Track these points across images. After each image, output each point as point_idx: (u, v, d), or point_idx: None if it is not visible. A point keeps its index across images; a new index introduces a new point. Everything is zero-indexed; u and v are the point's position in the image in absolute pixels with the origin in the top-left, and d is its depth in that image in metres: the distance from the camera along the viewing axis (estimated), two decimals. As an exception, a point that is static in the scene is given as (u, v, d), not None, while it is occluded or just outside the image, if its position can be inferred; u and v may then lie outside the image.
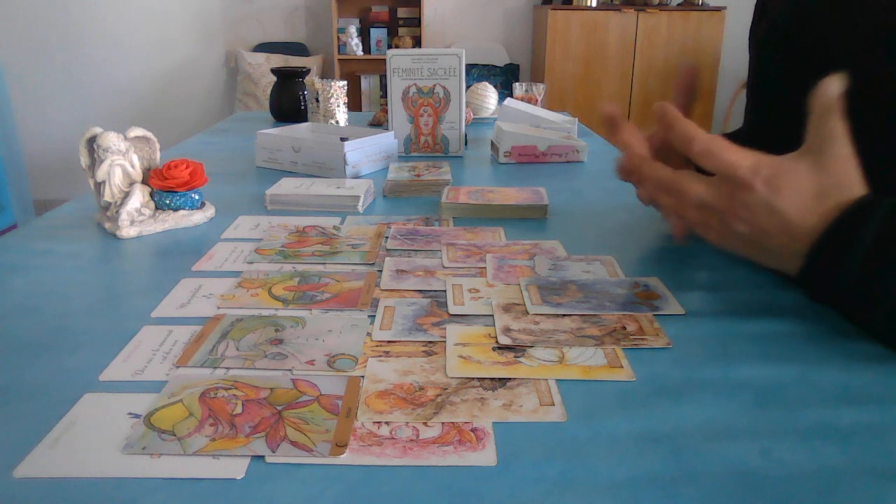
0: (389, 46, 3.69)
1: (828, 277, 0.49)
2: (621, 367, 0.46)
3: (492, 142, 1.23)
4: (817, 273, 0.49)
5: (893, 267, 0.46)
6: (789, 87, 0.65)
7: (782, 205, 0.49)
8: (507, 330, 0.51)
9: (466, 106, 1.41)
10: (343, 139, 1.04)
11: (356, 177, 1.02)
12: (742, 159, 0.50)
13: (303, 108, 1.53)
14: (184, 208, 0.78)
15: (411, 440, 0.38)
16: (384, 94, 3.76)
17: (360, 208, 0.84)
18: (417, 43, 3.71)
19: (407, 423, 0.40)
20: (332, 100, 1.37)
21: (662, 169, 0.57)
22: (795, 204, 0.49)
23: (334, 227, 0.76)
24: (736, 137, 0.69)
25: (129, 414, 0.40)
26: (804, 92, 0.52)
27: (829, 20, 0.60)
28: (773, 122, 0.70)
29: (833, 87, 0.49)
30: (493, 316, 0.54)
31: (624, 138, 0.62)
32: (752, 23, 0.75)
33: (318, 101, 1.38)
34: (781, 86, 0.68)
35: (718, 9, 3.56)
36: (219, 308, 0.55)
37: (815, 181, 0.49)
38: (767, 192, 0.49)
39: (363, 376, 0.45)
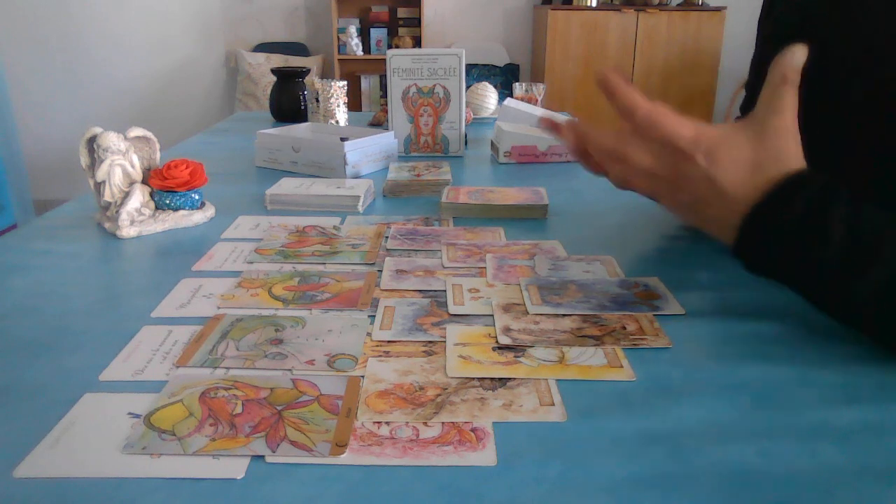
0: (389, 46, 3.69)
1: (757, 250, 0.50)
2: (621, 367, 0.46)
3: (492, 142, 1.23)
4: (747, 245, 0.50)
5: (819, 242, 0.46)
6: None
7: (719, 176, 0.49)
8: (507, 330, 0.51)
9: (466, 106, 1.41)
10: (343, 139, 1.04)
11: (356, 177, 1.02)
12: (683, 130, 0.50)
13: (303, 108, 1.53)
14: (184, 208, 0.78)
15: (411, 440, 0.38)
16: (384, 94, 3.76)
17: (360, 208, 0.84)
18: (417, 43, 3.71)
19: (407, 423, 0.40)
20: (332, 100, 1.37)
21: (607, 137, 0.56)
22: (732, 176, 0.49)
23: (334, 227, 0.77)
24: None
25: (129, 414, 0.40)
26: (804, 94, 0.52)
27: (830, 21, 0.60)
28: None
29: (795, 56, 0.50)
30: (493, 316, 0.54)
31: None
32: (760, 17, 0.75)
33: (318, 101, 1.38)
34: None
35: (718, 9, 3.56)
36: (219, 308, 0.55)
37: (753, 153, 0.49)
38: (706, 164, 0.50)
39: (363, 376, 0.45)
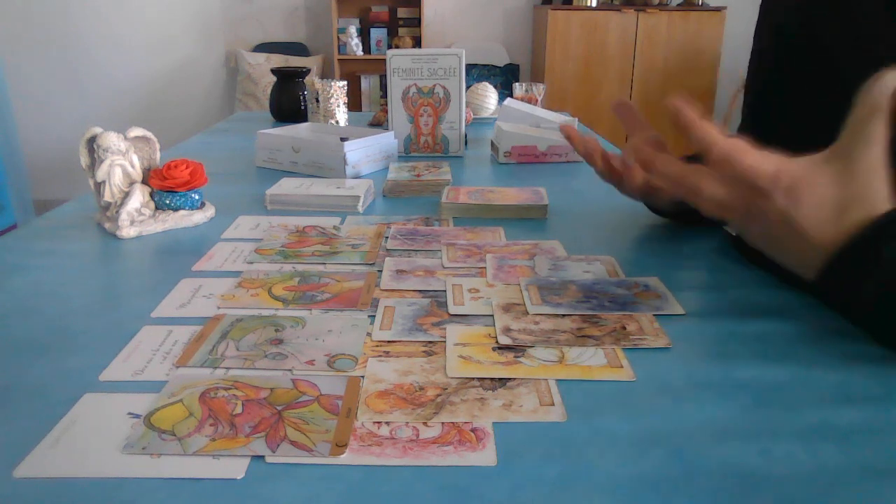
0: (389, 46, 3.69)
1: (842, 294, 0.48)
2: (621, 367, 0.46)
3: (492, 142, 1.23)
4: (828, 289, 0.48)
5: None
6: (790, 93, 0.65)
7: (800, 216, 0.46)
8: (507, 330, 0.51)
9: (466, 106, 1.41)
10: (343, 139, 1.04)
11: (356, 177, 1.02)
12: (763, 165, 0.47)
13: (303, 108, 1.53)
14: (184, 208, 0.78)
15: (411, 440, 0.38)
16: (384, 94, 3.76)
17: (360, 208, 0.84)
18: (417, 43, 3.71)
19: (407, 423, 0.40)
20: (332, 100, 1.37)
21: (676, 164, 0.52)
22: (814, 216, 0.46)
23: (334, 227, 0.77)
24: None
25: (129, 414, 0.40)
26: (804, 99, 0.51)
27: (830, 24, 0.60)
28: (771, 126, 0.69)
29: (889, 82, 0.46)
30: (493, 316, 0.54)
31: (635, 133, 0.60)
32: (758, 20, 0.75)
33: (318, 101, 1.38)
34: (782, 92, 0.68)
35: (718, 9, 3.56)
36: (219, 308, 0.55)
37: (838, 192, 0.46)
38: (786, 203, 0.46)
39: (363, 376, 0.45)
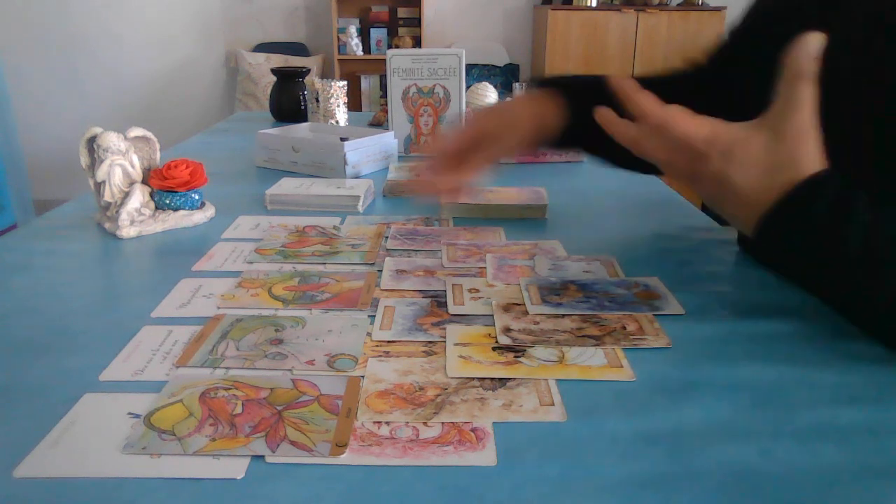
0: (389, 46, 3.69)
1: (774, 252, 0.50)
2: (621, 367, 0.46)
3: (492, 142, 1.23)
4: (764, 247, 0.51)
5: (836, 251, 0.46)
6: (764, 72, 0.64)
7: (735, 177, 0.49)
8: (507, 330, 0.51)
9: (466, 106, 1.41)
10: (343, 139, 1.04)
11: (356, 177, 1.02)
12: (699, 130, 0.50)
13: (303, 108, 1.53)
14: (184, 208, 0.78)
15: (411, 440, 0.38)
16: (384, 94, 3.76)
17: (360, 208, 0.84)
18: (417, 43, 3.71)
19: (407, 423, 0.40)
20: (332, 100, 1.37)
21: (629, 129, 0.54)
22: (748, 177, 0.49)
23: (334, 227, 0.76)
24: (683, 79, 0.69)
25: (129, 414, 0.40)
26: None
27: (821, 18, 0.60)
28: (730, 96, 0.68)
29: (809, 46, 0.48)
30: (493, 316, 0.54)
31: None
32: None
33: (318, 101, 1.38)
34: (756, 70, 0.67)
35: (718, 9, 3.56)
36: (219, 308, 0.55)
37: (769, 155, 0.48)
38: (722, 164, 0.49)
39: (363, 376, 0.45)
